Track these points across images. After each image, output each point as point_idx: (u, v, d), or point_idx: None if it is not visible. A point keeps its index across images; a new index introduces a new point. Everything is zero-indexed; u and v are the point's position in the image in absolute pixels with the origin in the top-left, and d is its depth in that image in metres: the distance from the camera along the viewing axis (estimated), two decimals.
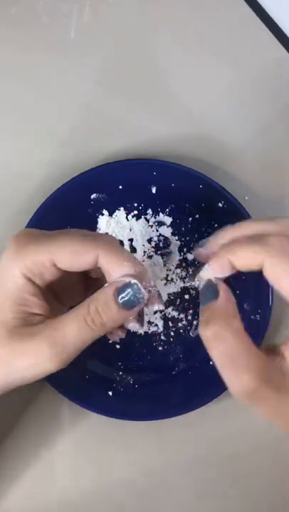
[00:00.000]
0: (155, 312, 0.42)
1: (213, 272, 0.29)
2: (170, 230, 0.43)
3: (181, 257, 0.43)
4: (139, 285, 0.29)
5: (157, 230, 0.43)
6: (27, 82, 0.46)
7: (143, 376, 0.41)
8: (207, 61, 0.48)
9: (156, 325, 0.42)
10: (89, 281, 0.35)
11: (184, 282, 0.42)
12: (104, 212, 0.43)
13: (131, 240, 0.43)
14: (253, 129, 0.47)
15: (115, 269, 0.29)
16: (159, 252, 0.43)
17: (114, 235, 0.43)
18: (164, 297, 0.42)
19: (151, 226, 0.43)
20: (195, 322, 0.42)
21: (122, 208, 0.43)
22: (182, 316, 0.42)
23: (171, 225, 0.43)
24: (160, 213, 0.44)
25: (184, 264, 0.43)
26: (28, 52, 0.47)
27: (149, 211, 0.44)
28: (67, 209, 0.42)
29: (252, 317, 0.41)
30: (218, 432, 0.41)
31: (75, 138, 0.46)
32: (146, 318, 0.42)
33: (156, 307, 0.31)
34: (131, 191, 0.43)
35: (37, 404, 0.41)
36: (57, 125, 0.46)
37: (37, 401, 0.41)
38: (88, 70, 0.47)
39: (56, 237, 0.30)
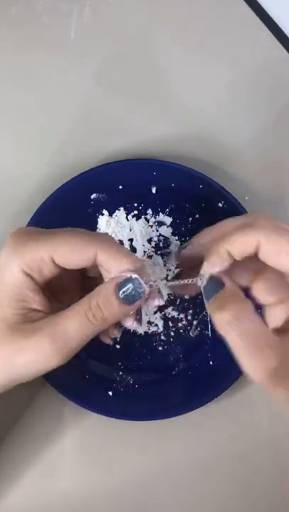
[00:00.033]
0: (155, 312, 0.42)
1: (212, 265, 0.29)
2: (170, 230, 0.43)
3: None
4: (140, 280, 0.29)
5: (157, 230, 0.43)
6: (27, 82, 0.46)
7: (143, 376, 0.41)
8: (207, 61, 0.48)
9: (156, 325, 0.42)
10: (86, 281, 0.35)
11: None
12: (104, 212, 0.43)
13: (131, 240, 0.43)
14: (253, 129, 0.47)
15: (115, 266, 0.30)
16: (159, 252, 0.43)
17: (114, 235, 0.43)
18: (164, 297, 0.42)
19: (151, 226, 0.43)
20: (195, 322, 0.42)
21: (122, 208, 0.43)
22: (182, 316, 0.42)
23: (171, 225, 0.43)
24: (160, 213, 0.44)
25: None
26: (28, 52, 0.47)
27: (149, 211, 0.44)
28: (67, 209, 0.42)
29: None
30: (218, 432, 0.41)
31: (75, 138, 0.46)
32: (146, 318, 0.42)
33: (156, 302, 0.31)
34: (131, 191, 0.43)
35: (37, 404, 0.41)
36: (57, 125, 0.46)
37: (37, 401, 0.41)
38: (88, 70, 0.47)
39: (55, 234, 0.30)
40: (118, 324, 0.33)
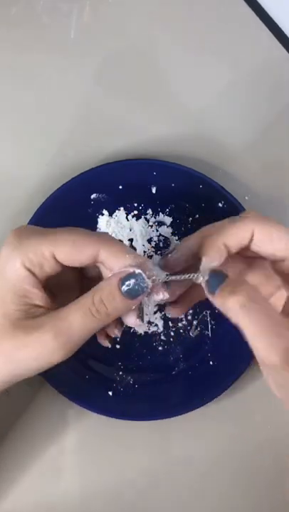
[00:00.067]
0: (155, 312, 0.42)
1: (211, 260, 0.30)
2: (170, 230, 0.43)
3: None
4: (143, 274, 0.29)
5: (157, 230, 0.43)
6: (27, 82, 0.46)
7: (143, 376, 0.41)
8: (207, 61, 0.48)
9: (156, 325, 0.42)
10: (85, 282, 0.35)
11: None
12: (104, 212, 0.43)
13: (131, 240, 0.43)
14: (253, 129, 0.47)
15: (117, 262, 0.30)
16: (159, 252, 0.43)
17: (114, 234, 0.43)
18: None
19: (151, 226, 0.43)
20: (195, 322, 0.42)
21: (122, 208, 0.43)
22: (182, 316, 0.42)
23: (171, 225, 0.43)
24: (160, 213, 0.44)
25: None
26: (28, 52, 0.47)
27: (149, 211, 0.44)
28: (67, 209, 0.42)
29: None
30: (218, 432, 0.41)
31: (75, 138, 0.46)
32: (146, 318, 0.42)
33: (161, 295, 0.31)
34: (131, 191, 0.43)
35: (37, 404, 0.41)
36: (57, 125, 0.46)
37: (37, 401, 0.41)
38: (88, 70, 0.47)
39: (57, 231, 0.30)
40: (119, 323, 0.33)
